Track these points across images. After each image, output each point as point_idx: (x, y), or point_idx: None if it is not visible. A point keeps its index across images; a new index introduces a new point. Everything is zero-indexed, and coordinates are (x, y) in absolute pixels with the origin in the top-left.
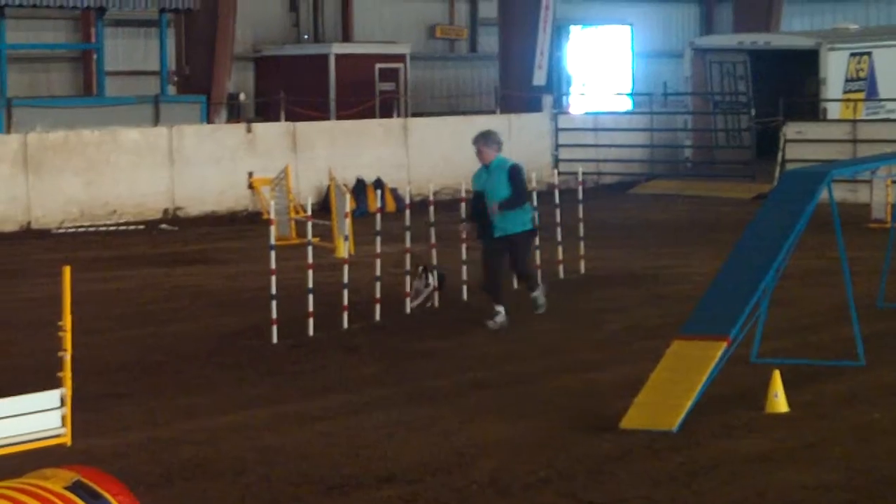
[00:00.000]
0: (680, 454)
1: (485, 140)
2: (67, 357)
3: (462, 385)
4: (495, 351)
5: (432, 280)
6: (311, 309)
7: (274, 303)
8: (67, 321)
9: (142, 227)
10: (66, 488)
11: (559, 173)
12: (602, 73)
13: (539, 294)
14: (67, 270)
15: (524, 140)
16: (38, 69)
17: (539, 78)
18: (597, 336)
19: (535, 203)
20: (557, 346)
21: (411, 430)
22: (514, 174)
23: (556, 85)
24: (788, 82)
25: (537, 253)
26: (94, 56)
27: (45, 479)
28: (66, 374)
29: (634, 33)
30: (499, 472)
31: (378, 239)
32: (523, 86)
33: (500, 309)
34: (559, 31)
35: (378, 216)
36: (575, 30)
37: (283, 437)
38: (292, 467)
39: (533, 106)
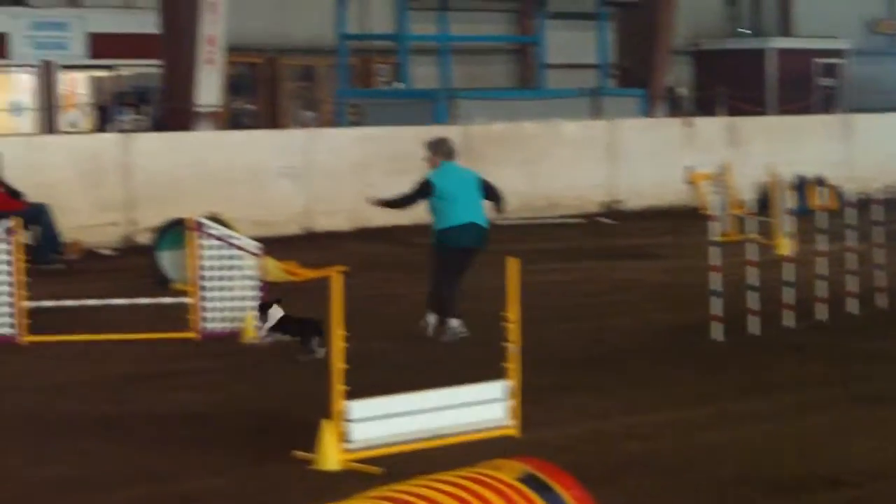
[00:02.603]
0: None
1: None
2: (514, 349)
3: None
4: None
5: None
6: (752, 306)
7: (715, 299)
8: (514, 313)
9: (581, 220)
10: (519, 479)
11: None
12: None
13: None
14: (515, 263)
15: None
16: (478, 62)
17: None
18: None
19: None
20: None
21: (858, 432)
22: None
23: None
24: None
25: None
26: (534, 49)
27: (496, 469)
28: (514, 365)
29: None
30: None
31: (822, 237)
32: None
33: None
34: None
35: (819, 214)
36: None
37: (726, 434)
38: (737, 466)
39: None
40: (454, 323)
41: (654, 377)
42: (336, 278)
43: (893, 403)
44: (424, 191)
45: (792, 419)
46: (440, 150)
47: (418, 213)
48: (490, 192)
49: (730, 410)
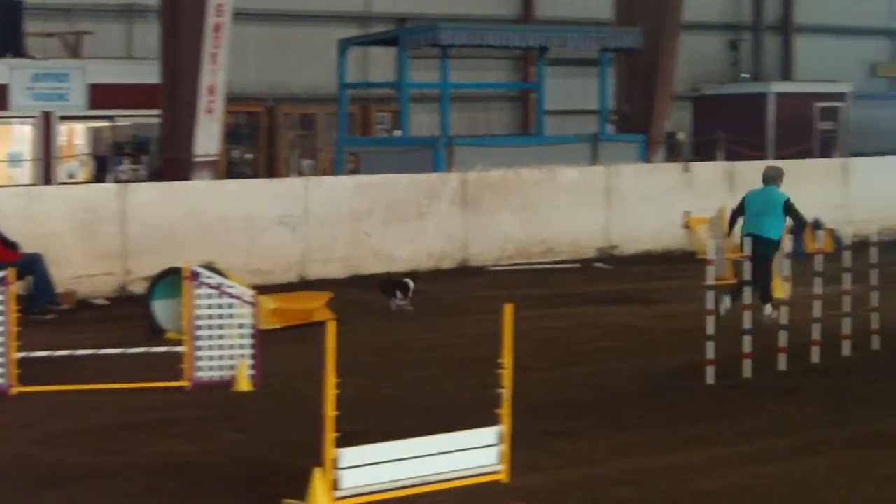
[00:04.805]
0: None
1: None
2: (507, 394)
3: None
4: None
5: None
6: (747, 350)
7: (710, 343)
8: (508, 359)
9: (577, 265)
10: None
11: None
12: None
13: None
14: (509, 308)
15: None
16: (478, 108)
17: None
18: None
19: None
20: None
21: (852, 475)
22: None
23: None
24: None
25: None
26: (534, 95)
27: None
28: (505, 411)
29: None
30: None
31: (818, 280)
32: None
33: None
34: None
35: (816, 257)
36: None
37: (719, 480)
38: None
39: None
40: (767, 309)
41: (647, 422)
42: (330, 326)
43: (889, 446)
44: (742, 205)
45: (784, 463)
46: (763, 175)
47: (418, 260)
48: (791, 214)
49: (724, 455)
